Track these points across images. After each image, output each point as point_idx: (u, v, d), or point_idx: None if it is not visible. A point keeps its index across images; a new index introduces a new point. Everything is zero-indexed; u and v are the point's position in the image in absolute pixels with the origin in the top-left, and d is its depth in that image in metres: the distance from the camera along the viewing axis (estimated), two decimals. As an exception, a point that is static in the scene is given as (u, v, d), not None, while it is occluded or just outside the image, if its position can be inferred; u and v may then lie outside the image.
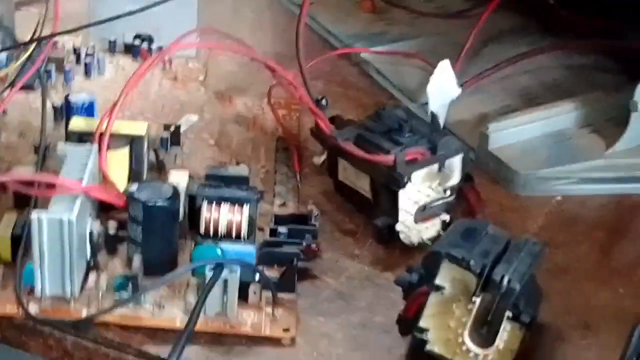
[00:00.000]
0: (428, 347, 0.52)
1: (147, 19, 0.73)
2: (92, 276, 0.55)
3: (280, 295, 0.55)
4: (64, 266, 0.53)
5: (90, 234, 0.55)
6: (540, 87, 0.73)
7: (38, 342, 0.54)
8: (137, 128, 0.60)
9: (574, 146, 0.67)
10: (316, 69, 0.73)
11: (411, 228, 0.60)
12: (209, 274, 0.53)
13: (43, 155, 0.61)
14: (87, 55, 0.72)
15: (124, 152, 0.60)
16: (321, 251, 0.59)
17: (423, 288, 0.52)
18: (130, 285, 0.54)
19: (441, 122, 0.66)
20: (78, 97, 0.64)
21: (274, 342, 0.54)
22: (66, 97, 0.64)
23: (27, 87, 0.68)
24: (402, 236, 0.60)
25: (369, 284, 0.58)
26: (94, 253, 0.55)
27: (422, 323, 0.52)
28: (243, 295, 0.54)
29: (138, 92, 0.70)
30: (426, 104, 0.67)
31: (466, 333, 0.52)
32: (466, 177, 0.62)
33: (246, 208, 0.56)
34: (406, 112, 0.62)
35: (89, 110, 0.64)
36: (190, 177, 0.59)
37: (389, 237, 0.60)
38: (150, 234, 0.55)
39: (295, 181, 0.63)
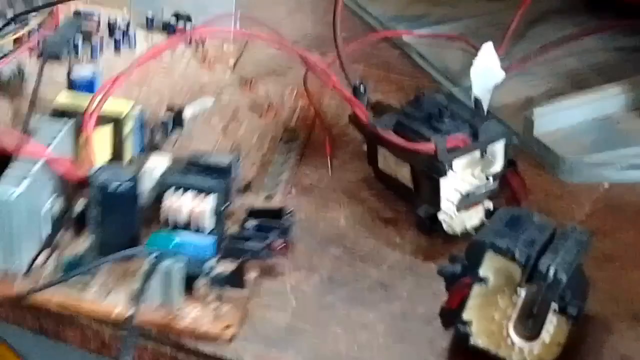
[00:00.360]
0: (472, 340, 0.51)
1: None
2: (44, 254, 0.55)
3: (231, 291, 0.54)
4: (9, 241, 0.53)
5: (50, 210, 0.54)
6: (587, 70, 0.71)
7: (76, 332, 0.54)
8: (122, 107, 0.59)
9: (623, 131, 0.65)
10: (357, 51, 0.72)
11: (454, 217, 0.58)
12: (149, 263, 0.52)
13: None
14: (119, 29, 0.71)
15: (105, 130, 0.59)
16: (289, 249, 0.57)
17: (466, 279, 0.51)
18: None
19: (485, 106, 0.64)
20: (80, 71, 0.63)
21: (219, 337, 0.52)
22: (69, 71, 0.64)
23: (53, 57, 0.67)
24: (444, 225, 0.58)
25: (410, 274, 0.57)
26: (53, 230, 0.55)
27: (466, 315, 0.51)
28: (192, 288, 0.53)
29: (162, 68, 0.70)
30: (470, 87, 0.66)
31: (511, 325, 0.50)
32: (509, 163, 0.61)
33: (211, 198, 0.55)
34: (446, 97, 0.61)
35: (89, 85, 0.63)
36: (179, 161, 0.58)
37: (431, 226, 0.59)
38: (107, 216, 0.54)
39: (290, 173, 0.62)
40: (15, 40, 0.69)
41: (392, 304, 0.55)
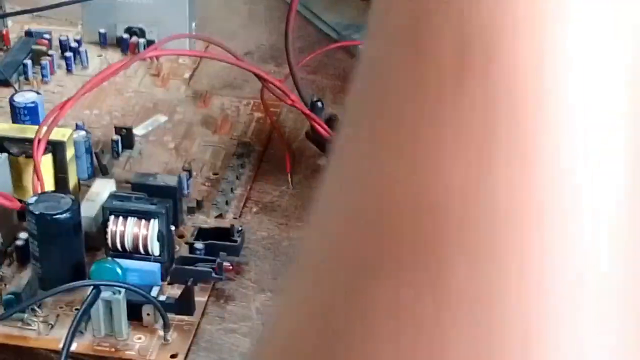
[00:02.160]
0: None
1: (139, 12, 0.70)
2: None
3: (180, 317, 0.52)
4: None
5: None
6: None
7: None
8: (59, 134, 0.58)
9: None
10: (314, 62, 0.71)
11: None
12: (88, 295, 0.51)
13: None
14: (69, 48, 0.69)
15: (46, 159, 0.57)
16: (240, 269, 0.55)
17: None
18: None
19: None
20: (22, 99, 0.61)
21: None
22: (11, 98, 0.62)
23: (2, 82, 0.66)
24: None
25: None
26: None
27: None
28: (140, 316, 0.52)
29: (115, 87, 0.68)
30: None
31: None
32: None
33: (154, 222, 0.53)
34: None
35: (32, 112, 0.61)
36: (128, 183, 0.56)
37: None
38: (47, 247, 0.52)
39: (244, 189, 0.60)
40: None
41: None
